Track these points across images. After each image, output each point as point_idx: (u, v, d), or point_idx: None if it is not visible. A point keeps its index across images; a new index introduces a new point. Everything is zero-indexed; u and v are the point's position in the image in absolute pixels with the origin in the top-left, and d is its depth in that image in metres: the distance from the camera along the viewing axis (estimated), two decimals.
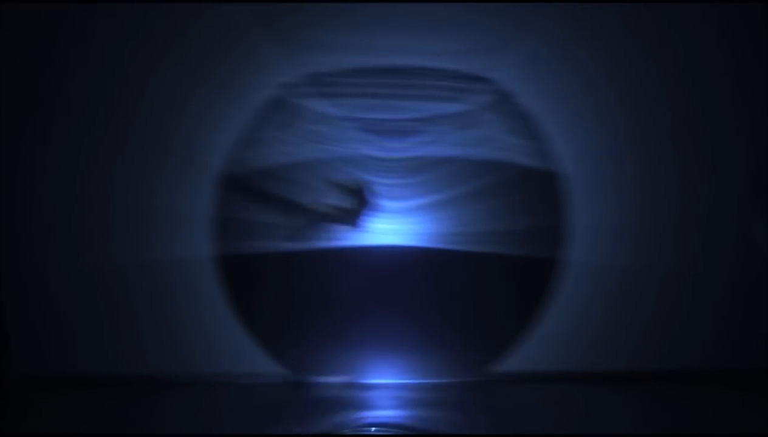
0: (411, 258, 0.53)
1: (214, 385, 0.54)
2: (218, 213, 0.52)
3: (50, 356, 0.54)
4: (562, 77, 0.51)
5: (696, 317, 0.55)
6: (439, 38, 0.51)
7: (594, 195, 0.53)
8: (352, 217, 0.49)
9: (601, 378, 0.55)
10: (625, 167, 0.53)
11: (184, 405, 0.52)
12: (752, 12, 0.51)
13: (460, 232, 0.53)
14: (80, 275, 0.53)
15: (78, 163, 0.51)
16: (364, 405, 0.52)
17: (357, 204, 0.50)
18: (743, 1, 0.50)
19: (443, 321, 0.54)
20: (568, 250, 0.53)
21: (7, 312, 0.54)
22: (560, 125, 0.52)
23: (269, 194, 0.47)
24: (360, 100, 0.51)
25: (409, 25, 0.50)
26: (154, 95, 0.51)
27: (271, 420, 0.49)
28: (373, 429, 0.48)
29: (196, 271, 0.53)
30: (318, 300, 0.54)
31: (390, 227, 0.53)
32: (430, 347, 0.54)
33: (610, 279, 0.54)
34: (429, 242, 0.53)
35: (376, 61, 0.51)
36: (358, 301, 0.54)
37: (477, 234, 0.53)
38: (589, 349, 0.55)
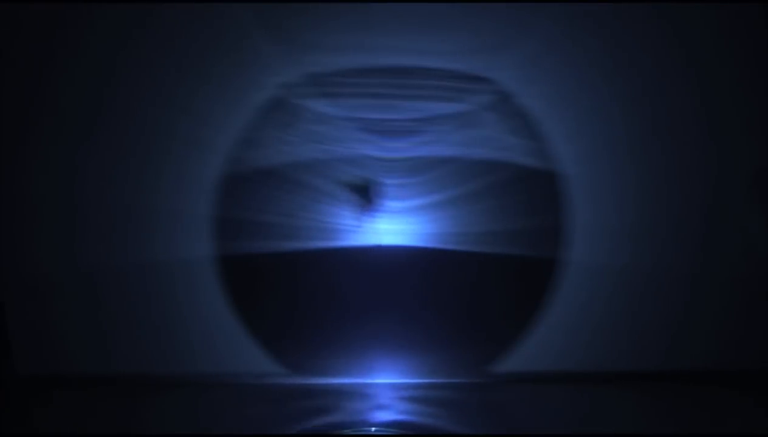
0: (411, 258, 0.53)
1: (214, 385, 0.54)
2: (218, 213, 0.52)
3: (50, 356, 0.54)
4: (562, 77, 0.51)
5: (696, 317, 0.55)
6: (439, 38, 0.51)
7: (594, 195, 0.53)
8: (358, 212, 0.49)
9: (601, 378, 0.56)
10: (625, 167, 0.53)
11: (184, 405, 0.52)
12: (752, 12, 0.51)
13: (460, 232, 0.53)
14: (80, 275, 0.53)
15: (78, 163, 0.51)
16: (364, 405, 0.52)
17: (363, 201, 0.50)
18: (743, 1, 0.50)
19: (444, 321, 0.54)
20: (568, 250, 0.53)
21: (7, 312, 0.54)
22: (560, 125, 0.52)
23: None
24: (360, 100, 0.51)
25: (409, 25, 0.50)
26: (154, 95, 0.51)
27: (271, 420, 0.49)
28: (373, 429, 0.48)
29: (196, 271, 0.53)
30: (318, 300, 0.54)
31: (390, 227, 0.53)
32: (431, 347, 0.54)
33: (610, 279, 0.54)
34: (429, 242, 0.53)
35: (376, 61, 0.51)
36: (358, 301, 0.54)
37: (477, 234, 0.53)
38: (589, 349, 0.55)
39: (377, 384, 0.55)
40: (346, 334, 0.54)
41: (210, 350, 0.54)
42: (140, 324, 0.54)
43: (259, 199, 0.52)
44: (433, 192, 0.52)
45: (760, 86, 0.52)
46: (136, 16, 0.50)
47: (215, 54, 0.50)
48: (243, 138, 0.52)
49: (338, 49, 0.50)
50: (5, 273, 0.53)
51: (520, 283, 0.54)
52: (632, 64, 0.51)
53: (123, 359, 0.54)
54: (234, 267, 0.53)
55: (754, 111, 0.52)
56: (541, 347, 0.55)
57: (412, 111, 0.51)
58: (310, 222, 0.52)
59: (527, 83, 0.51)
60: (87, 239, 0.53)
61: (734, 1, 0.50)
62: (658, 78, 0.52)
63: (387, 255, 0.53)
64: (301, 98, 0.51)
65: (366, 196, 0.49)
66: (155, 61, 0.50)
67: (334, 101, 0.51)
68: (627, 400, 0.53)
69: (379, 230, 0.53)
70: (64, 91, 0.50)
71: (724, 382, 0.55)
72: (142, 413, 0.51)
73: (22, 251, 0.53)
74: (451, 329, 0.54)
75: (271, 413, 0.51)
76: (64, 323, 0.54)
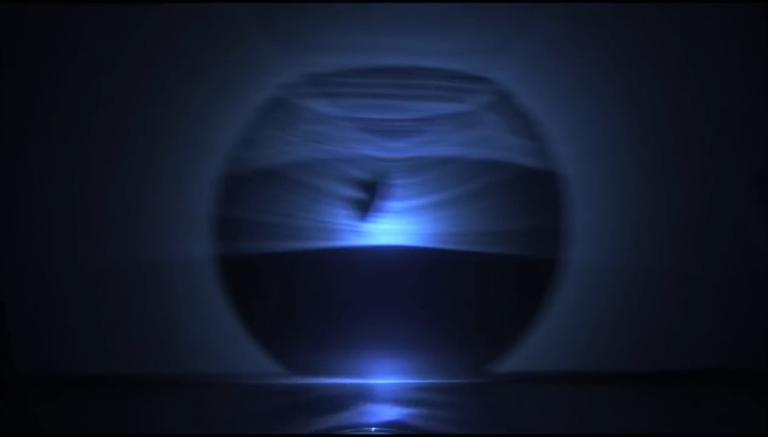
0: (411, 258, 0.53)
1: (214, 385, 0.54)
2: (218, 213, 0.52)
3: (50, 356, 0.54)
4: (562, 77, 0.51)
5: (696, 317, 0.55)
6: (439, 38, 0.51)
7: (594, 195, 0.53)
8: (363, 209, 0.49)
9: (601, 378, 0.56)
10: (625, 167, 0.53)
11: (184, 405, 0.52)
12: (752, 12, 0.51)
13: (460, 232, 0.53)
14: (80, 275, 0.53)
15: (78, 163, 0.51)
16: (364, 405, 0.52)
17: (368, 199, 0.50)
18: (743, 1, 0.50)
19: (444, 321, 0.54)
20: (568, 250, 0.53)
21: (7, 312, 0.54)
22: (560, 125, 0.52)
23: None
24: (360, 100, 0.51)
25: (409, 25, 0.50)
26: (154, 95, 0.51)
27: (271, 420, 0.49)
28: (373, 429, 0.48)
29: (196, 271, 0.53)
30: (318, 300, 0.54)
31: (390, 227, 0.53)
32: (431, 347, 0.54)
33: (610, 279, 0.54)
34: (429, 242, 0.53)
35: (376, 61, 0.51)
36: (358, 301, 0.54)
37: (477, 234, 0.53)
38: (589, 349, 0.55)
39: (377, 384, 0.55)
40: (346, 334, 0.54)
41: (210, 350, 0.54)
42: (140, 324, 0.54)
43: (259, 199, 0.52)
44: (433, 192, 0.52)
45: (760, 86, 0.52)
46: (136, 16, 0.50)
47: (215, 54, 0.50)
48: (243, 138, 0.52)
49: (338, 49, 0.50)
50: (5, 273, 0.53)
51: (519, 283, 0.54)
52: (632, 64, 0.51)
53: (123, 359, 0.54)
54: (234, 267, 0.53)
55: (754, 111, 0.52)
56: (541, 347, 0.55)
57: (412, 111, 0.51)
58: (310, 223, 0.52)
59: (527, 83, 0.51)
60: (87, 239, 0.53)
61: (734, 1, 0.50)
62: (658, 78, 0.52)
63: (387, 255, 0.53)
64: (301, 98, 0.51)
65: (372, 193, 0.49)
66: (155, 61, 0.50)
67: (334, 101, 0.51)
68: (627, 400, 0.53)
69: (380, 230, 0.53)
70: (64, 91, 0.50)
71: (724, 382, 0.55)
72: (142, 413, 0.51)
73: (22, 251, 0.53)
74: (451, 329, 0.54)
75: (271, 413, 0.51)
76: (64, 323, 0.54)
